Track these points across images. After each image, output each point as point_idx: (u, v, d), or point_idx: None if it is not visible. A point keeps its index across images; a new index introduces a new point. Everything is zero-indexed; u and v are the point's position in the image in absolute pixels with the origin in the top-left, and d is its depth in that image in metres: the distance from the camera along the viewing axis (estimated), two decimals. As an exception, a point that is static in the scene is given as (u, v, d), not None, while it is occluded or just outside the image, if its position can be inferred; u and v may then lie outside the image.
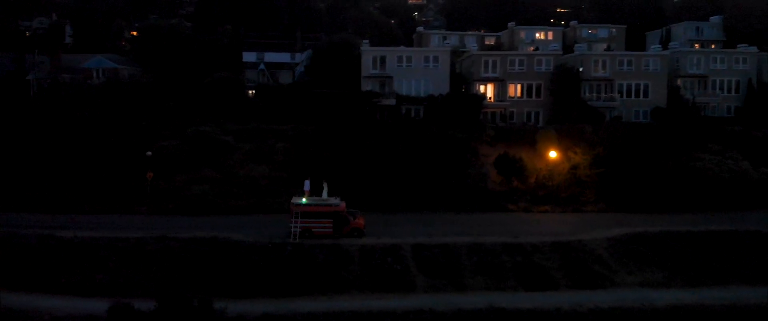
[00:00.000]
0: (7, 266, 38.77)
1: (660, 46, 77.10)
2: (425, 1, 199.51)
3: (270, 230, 44.51)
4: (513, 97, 67.93)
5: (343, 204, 44.29)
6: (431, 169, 54.51)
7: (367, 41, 68.20)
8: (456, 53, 76.33)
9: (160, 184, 53.87)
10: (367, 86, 65.39)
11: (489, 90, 68.55)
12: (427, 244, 42.64)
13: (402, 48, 70.27)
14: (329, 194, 45.48)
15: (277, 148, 58.71)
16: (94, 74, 66.11)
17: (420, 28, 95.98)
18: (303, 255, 40.87)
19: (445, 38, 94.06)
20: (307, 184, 44.64)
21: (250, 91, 68.61)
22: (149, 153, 52.97)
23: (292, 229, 42.52)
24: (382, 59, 65.90)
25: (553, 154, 56.10)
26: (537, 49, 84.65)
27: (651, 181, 53.05)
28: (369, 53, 66.07)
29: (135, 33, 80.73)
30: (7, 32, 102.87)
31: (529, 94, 67.95)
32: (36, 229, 43.38)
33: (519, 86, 67.89)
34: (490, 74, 67.63)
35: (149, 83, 64.45)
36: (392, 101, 63.94)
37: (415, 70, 66.25)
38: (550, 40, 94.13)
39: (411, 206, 52.14)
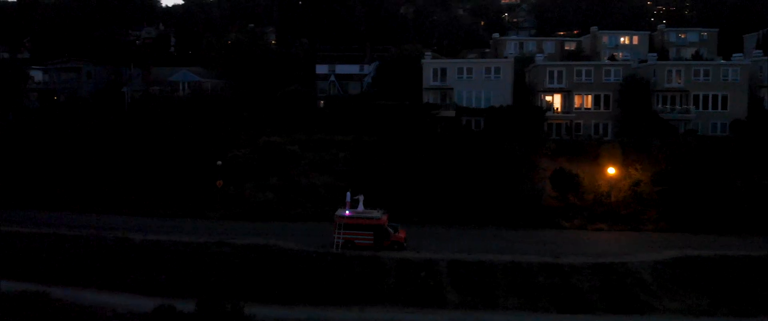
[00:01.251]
0: (86, 265, 44.02)
1: (742, 54, 72.21)
2: (519, 1, 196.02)
3: (320, 239, 46.99)
4: (579, 109, 66.53)
5: (384, 217, 45.94)
6: (486, 182, 54.63)
7: (429, 53, 69.37)
8: (526, 61, 75.65)
9: (231, 190, 58.27)
10: (428, 98, 66.67)
11: (556, 101, 67.54)
12: (464, 260, 43.36)
13: (462, 60, 70.79)
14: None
15: (339, 158, 61.53)
16: (180, 87, 72.21)
17: (495, 35, 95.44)
18: (342, 265, 42.99)
19: (521, 45, 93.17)
20: (348, 195, 46.69)
21: (321, 102, 71.98)
22: (219, 162, 57.33)
23: (335, 240, 44.84)
24: (443, 71, 66.94)
25: (611, 170, 54.68)
26: (612, 57, 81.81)
27: (716, 200, 50.46)
28: (430, 65, 67.32)
29: (228, 42, 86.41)
30: (115, 43, 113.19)
31: (597, 106, 66.27)
32: (116, 231, 48.73)
33: (586, 97, 66.40)
34: (555, 85, 66.66)
35: (228, 95, 69.39)
36: (451, 113, 64.75)
37: (476, 82, 66.68)
38: (635, 45, 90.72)
39: (464, 220, 52.66)
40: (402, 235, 45.73)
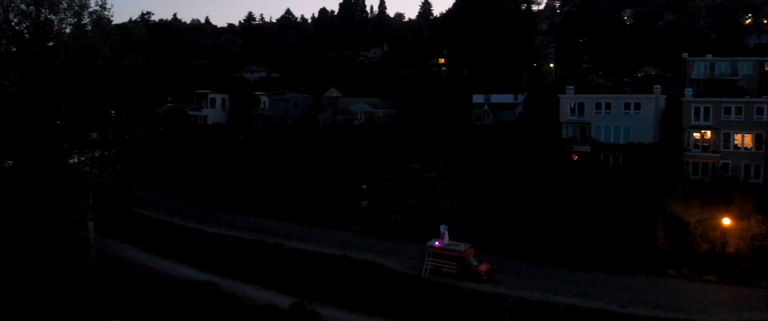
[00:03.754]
0: (248, 264, 59.01)
1: None
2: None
3: (423, 262, 55.17)
4: (728, 148, 62.55)
5: (468, 250, 52.16)
6: (600, 223, 55.54)
7: (571, 87, 70.77)
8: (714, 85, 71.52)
9: (376, 209, 69.27)
10: (567, 131, 68.76)
11: (705, 138, 64.33)
12: (530, 299, 47.56)
13: (600, 95, 70.26)
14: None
15: (470, 187, 68.15)
16: (358, 116, 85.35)
17: (684, 55, 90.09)
18: (425, 289, 50.89)
19: (712, 66, 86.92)
20: (442, 227, 53.81)
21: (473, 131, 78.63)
22: (365, 186, 68.66)
23: (425, 266, 52.69)
24: (580, 106, 68.17)
25: (726, 221, 52.34)
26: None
27: None
28: (567, 100, 69.13)
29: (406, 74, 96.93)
30: (344, 65, 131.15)
31: (749, 146, 61.59)
32: (278, 238, 63.04)
33: (735, 136, 62.14)
34: (701, 122, 63.57)
35: (393, 124, 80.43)
36: (587, 148, 66.12)
37: (615, 117, 66.71)
38: None
39: (569, 260, 55.04)
40: (483, 268, 51.47)
